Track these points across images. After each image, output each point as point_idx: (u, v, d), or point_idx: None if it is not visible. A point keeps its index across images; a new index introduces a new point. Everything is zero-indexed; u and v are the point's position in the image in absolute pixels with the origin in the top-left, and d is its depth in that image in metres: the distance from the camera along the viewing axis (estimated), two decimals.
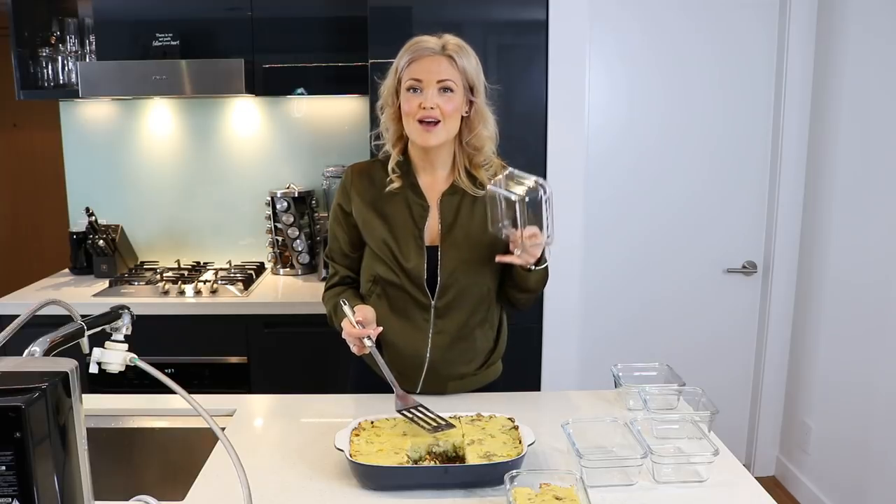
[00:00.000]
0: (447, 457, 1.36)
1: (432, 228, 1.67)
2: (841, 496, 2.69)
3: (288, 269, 3.02)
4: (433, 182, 1.69)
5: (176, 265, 3.03)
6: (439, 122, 1.57)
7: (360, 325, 1.55)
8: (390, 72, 1.64)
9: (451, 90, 1.57)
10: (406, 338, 1.68)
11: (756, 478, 1.39)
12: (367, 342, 1.54)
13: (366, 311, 1.60)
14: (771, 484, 3.06)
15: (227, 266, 3.03)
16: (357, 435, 1.38)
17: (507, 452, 1.33)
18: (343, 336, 1.60)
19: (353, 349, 1.58)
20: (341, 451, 1.31)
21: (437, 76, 1.56)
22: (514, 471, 1.23)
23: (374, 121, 2.56)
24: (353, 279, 1.78)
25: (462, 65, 1.58)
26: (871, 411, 2.52)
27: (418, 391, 1.71)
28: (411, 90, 1.58)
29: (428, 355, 1.68)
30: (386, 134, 1.69)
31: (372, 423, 1.43)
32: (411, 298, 1.67)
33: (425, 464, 1.34)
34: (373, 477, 1.29)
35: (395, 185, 1.66)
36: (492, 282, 1.72)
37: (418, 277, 1.66)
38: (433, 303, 1.67)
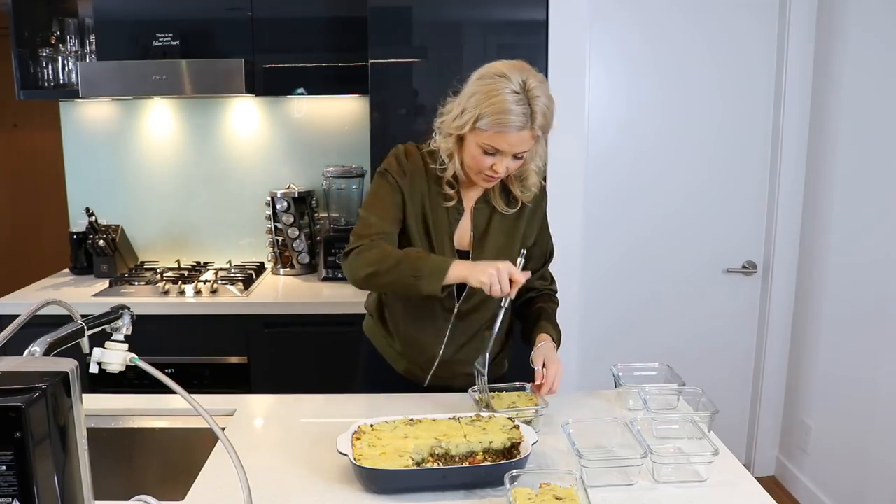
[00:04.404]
0: (448, 458, 1.36)
1: (463, 233, 1.69)
2: (840, 496, 2.69)
3: (288, 269, 3.02)
4: (469, 188, 1.68)
5: (176, 265, 3.03)
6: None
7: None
8: (461, 111, 1.53)
9: (523, 157, 1.57)
10: (425, 336, 1.72)
11: (756, 478, 1.39)
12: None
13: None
14: (771, 484, 3.06)
15: (227, 266, 3.03)
16: (358, 439, 1.38)
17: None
18: (494, 270, 1.47)
19: (498, 289, 1.48)
20: (345, 455, 1.31)
21: (517, 150, 1.53)
22: (515, 471, 1.23)
23: (374, 121, 2.57)
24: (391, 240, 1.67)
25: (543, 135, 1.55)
26: (871, 411, 2.52)
27: (426, 384, 1.76)
28: (486, 152, 1.53)
29: (441, 353, 1.72)
30: (438, 146, 1.63)
31: (371, 426, 1.43)
32: (437, 299, 1.65)
33: (428, 466, 1.34)
34: (378, 480, 1.29)
35: (451, 202, 1.64)
36: None
37: None
38: (457, 305, 1.69)
